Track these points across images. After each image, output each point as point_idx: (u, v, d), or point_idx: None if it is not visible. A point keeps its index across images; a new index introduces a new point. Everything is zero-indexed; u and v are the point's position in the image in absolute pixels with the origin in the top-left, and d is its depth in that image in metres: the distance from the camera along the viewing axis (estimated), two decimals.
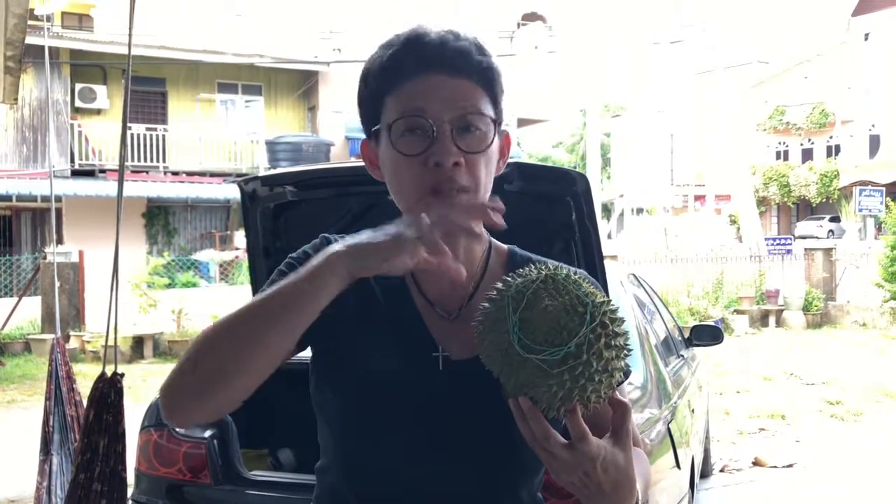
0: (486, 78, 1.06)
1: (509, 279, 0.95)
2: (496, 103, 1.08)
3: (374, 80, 1.07)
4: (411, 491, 1.05)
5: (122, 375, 2.28)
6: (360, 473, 1.07)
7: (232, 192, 17.42)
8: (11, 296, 13.15)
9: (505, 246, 1.16)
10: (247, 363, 0.94)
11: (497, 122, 1.07)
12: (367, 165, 1.12)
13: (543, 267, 0.96)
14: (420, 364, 1.06)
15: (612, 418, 0.95)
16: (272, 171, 2.79)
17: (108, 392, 2.24)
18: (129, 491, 2.56)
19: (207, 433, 2.51)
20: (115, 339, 2.44)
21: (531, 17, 23.17)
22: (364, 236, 0.94)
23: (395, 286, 1.09)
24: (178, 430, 2.29)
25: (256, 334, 0.93)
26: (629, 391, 2.80)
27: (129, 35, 2.35)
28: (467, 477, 1.05)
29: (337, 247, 0.93)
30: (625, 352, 0.93)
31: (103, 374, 2.29)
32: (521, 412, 0.91)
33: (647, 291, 4.52)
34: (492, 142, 1.05)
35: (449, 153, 1.01)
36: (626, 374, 1.11)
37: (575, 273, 0.96)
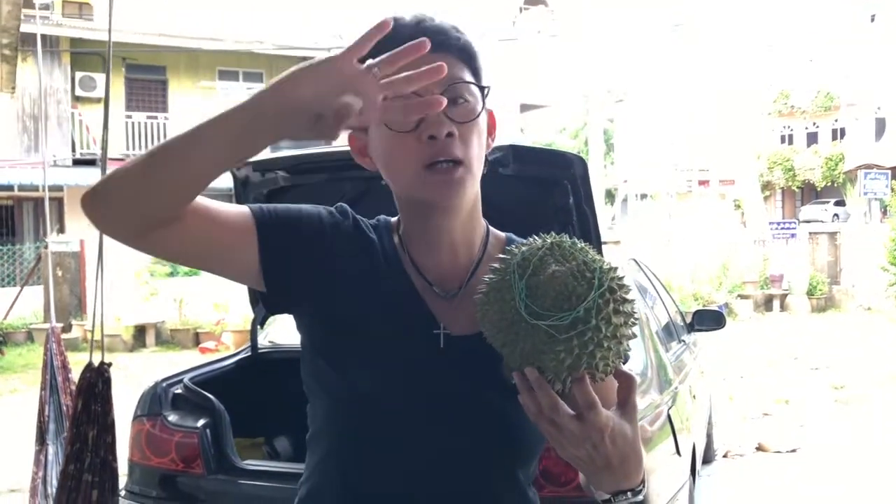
0: (466, 54, 1.07)
1: (513, 249, 0.94)
2: (479, 80, 1.08)
3: None
4: (408, 464, 1.05)
5: (110, 365, 2.25)
6: (355, 448, 1.06)
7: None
8: (14, 285, 13.16)
9: (502, 233, 1.17)
10: (172, 174, 0.92)
11: (487, 91, 1.07)
12: (356, 157, 1.11)
13: (547, 236, 0.95)
14: (421, 341, 1.06)
15: (617, 390, 0.93)
16: (264, 157, 2.74)
17: (96, 382, 2.21)
18: (122, 481, 2.54)
19: (200, 422, 2.48)
20: (102, 328, 2.41)
21: (533, 1, 23.01)
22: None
23: (394, 266, 1.10)
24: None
25: (183, 152, 0.91)
26: None
27: (109, 21, 2.31)
28: (466, 452, 1.05)
29: (277, 108, 0.87)
30: (632, 319, 0.91)
31: (90, 363, 2.26)
32: (526, 384, 0.89)
33: (647, 277, 4.48)
34: (481, 111, 1.05)
35: (441, 124, 1.01)
36: (625, 358, 1.11)
37: (581, 242, 0.95)
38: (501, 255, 0.95)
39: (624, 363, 1.09)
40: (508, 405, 0.95)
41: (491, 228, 1.16)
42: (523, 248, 0.93)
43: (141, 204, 0.92)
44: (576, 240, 0.95)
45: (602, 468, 0.92)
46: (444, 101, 0.89)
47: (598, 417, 0.89)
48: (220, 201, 1.04)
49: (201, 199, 0.99)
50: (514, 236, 1.16)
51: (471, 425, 1.05)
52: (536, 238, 0.95)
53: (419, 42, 0.87)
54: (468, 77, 1.06)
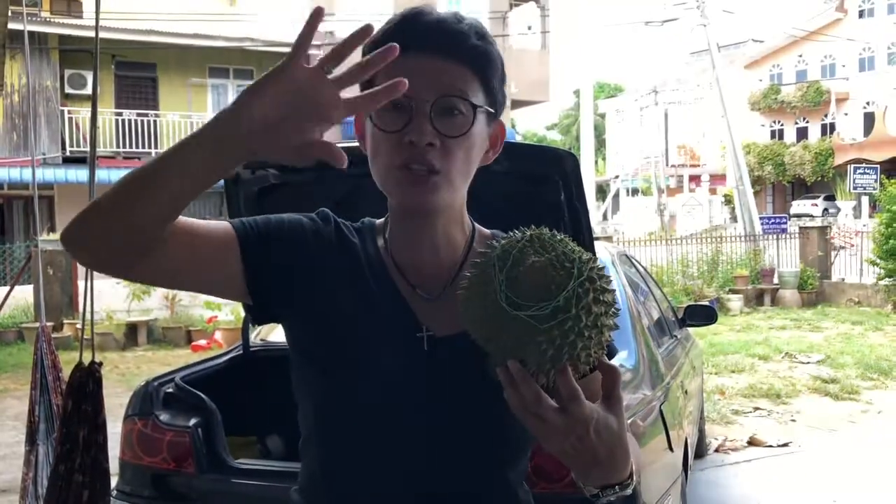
0: (479, 64, 1.04)
1: (493, 243, 0.94)
2: (490, 92, 1.06)
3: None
4: (396, 470, 1.05)
5: (101, 364, 2.24)
6: (345, 453, 1.07)
7: None
8: (5, 284, 13.09)
9: (488, 231, 1.17)
10: (144, 202, 0.89)
11: (483, 109, 1.05)
12: (358, 139, 1.11)
13: (528, 229, 0.95)
14: (404, 344, 1.05)
15: (602, 383, 0.92)
16: None
17: (87, 382, 2.19)
18: (113, 481, 2.53)
19: (192, 421, 2.47)
20: (92, 327, 2.40)
21: None
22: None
23: (377, 269, 1.09)
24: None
25: (154, 182, 0.88)
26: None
27: (97, 17, 2.29)
28: (453, 455, 1.05)
29: (240, 131, 0.84)
30: (613, 309, 0.91)
31: (80, 363, 2.24)
32: (509, 377, 0.88)
33: (639, 271, 4.49)
34: (469, 128, 1.03)
35: (423, 132, 1.00)
36: (612, 352, 1.12)
37: (560, 234, 0.95)
38: (482, 250, 0.95)
39: (611, 357, 1.10)
40: (495, 405, 0.94)
41: (477, 227, 1.15)
42: (503, 242, 0.93)
43: (118, 238, 0.90)
44: (555, 232, 0.94)
45: (588, 461, 0.91)
46: (406, 83, 0.85)
47: (581, 409, 0.88)
48: (200, 219, 1.02)
49: (182, 221, 0.97)
50: (499, 233, 1.15)
51: (457, 426, 1.04)
52: (517, 232, 0.94)
53: (388, 48, 0.85)
54: (476, 88, 1.04)
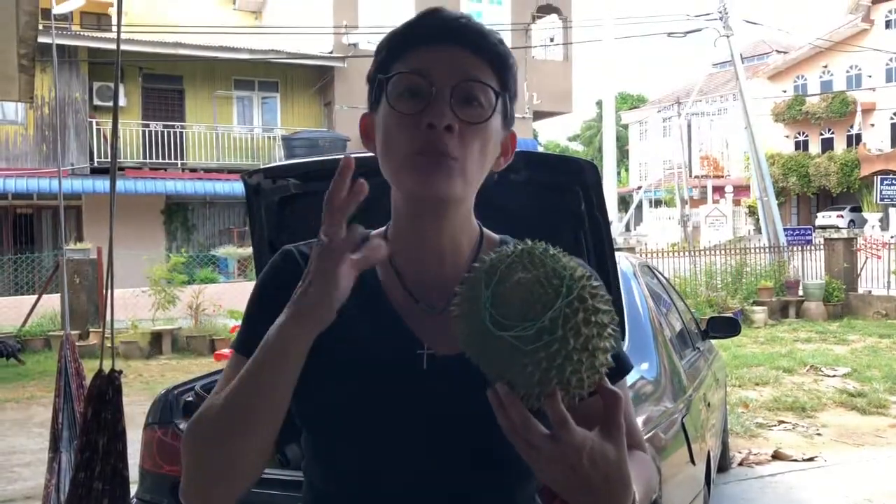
0: (500, 63, 1.01)
1: (483, 256, 0.89)
2: (506, 92, 1.02)
3: (384, 50, 1.02)
4: (398, 493, 1.01)
5: (120, 373, 2.25)
6: (344, 473, 1.03)
7: None
8: (33, 293, 13.26)
9: (497, 236, 1.11)
10: (248, 446, 0.95)
11: (502, 99, 1.01)
12: (362, 138, 1.08)
13: (522, 243, 0.89)
14: (403, 364, 1.01)
15: (602, 409, 0.86)
16: (275, 164, 2.75)
17: (106, 390, 2.20)
18: (133, 489, 2.54)
19: None
20: (112, 336, 2.42)
21: (546, 9, 23.00)
22: (297, 291, 0.90)
23: (367, 289, 1.03)
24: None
25: (245, 421, 0.93)
26: (640, 385, 2.75)
27: (119, 28, 2.32)
28: (455, 478, 1.00)
29: (282, 318, 0.90)
30: (609, 330, 0.84)
31: (100, 371, 2.25)
32: (498, 400, 0.83)
33: (661, 283, 4.45)
34: (490, 116, 0.99)
35: (443, 115, 0.96)
36: (626, 368, 1.08)
37: (557, 249, 0.89)
38: (474, 264, 0.90)
39: (623, 374, 1.04)
40: (494, 426, 0.89)
41: (485, 232, 1.10)
42: (492, 255, 0.88)
43: (251, 462, 0.96)
44: (549, 246, 0.89)
45: (583, 491, 0.85)
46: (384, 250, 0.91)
47: (572, 436, 0.82)
48: None
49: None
50: (509, 238, 1.10)
51: (458, 448, 1.00)
52: (510, 245, 0.89)
53: (356, 190, 0.87)
54: (494, 83, 1.01)
